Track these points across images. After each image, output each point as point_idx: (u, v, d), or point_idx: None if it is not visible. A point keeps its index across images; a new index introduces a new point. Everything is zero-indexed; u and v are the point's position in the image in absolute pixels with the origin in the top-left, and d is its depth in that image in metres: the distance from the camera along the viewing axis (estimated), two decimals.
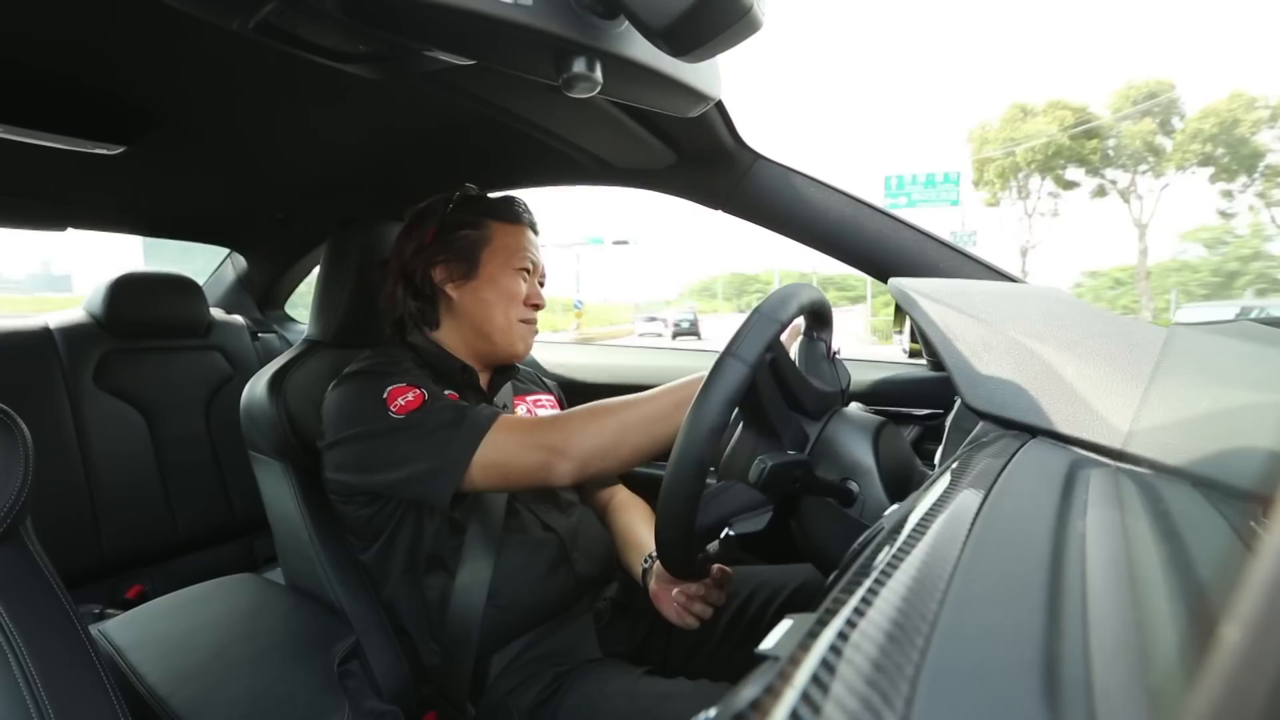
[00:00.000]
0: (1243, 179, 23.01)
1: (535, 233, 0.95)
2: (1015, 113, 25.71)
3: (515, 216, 0.92)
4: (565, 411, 0.78)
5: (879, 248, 0.92)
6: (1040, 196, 25.71)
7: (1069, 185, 25.58)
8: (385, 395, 0.77)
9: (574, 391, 1.24)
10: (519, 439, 0.74)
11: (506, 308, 0.89)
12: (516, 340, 0.90)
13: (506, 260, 0.89)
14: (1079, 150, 24.46)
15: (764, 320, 0.60)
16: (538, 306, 0.92)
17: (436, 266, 0.89)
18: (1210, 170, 23.05)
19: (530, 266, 0.91)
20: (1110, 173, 24.58)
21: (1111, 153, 24.31)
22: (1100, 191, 24.83)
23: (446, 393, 0.84)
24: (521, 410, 0.96)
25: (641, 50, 0.52)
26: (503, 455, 0.73)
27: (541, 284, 0.95)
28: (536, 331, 0.94)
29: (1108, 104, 24.36)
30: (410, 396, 0.77)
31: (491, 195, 0.95)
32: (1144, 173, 23.96)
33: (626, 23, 0.49)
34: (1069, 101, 25.07)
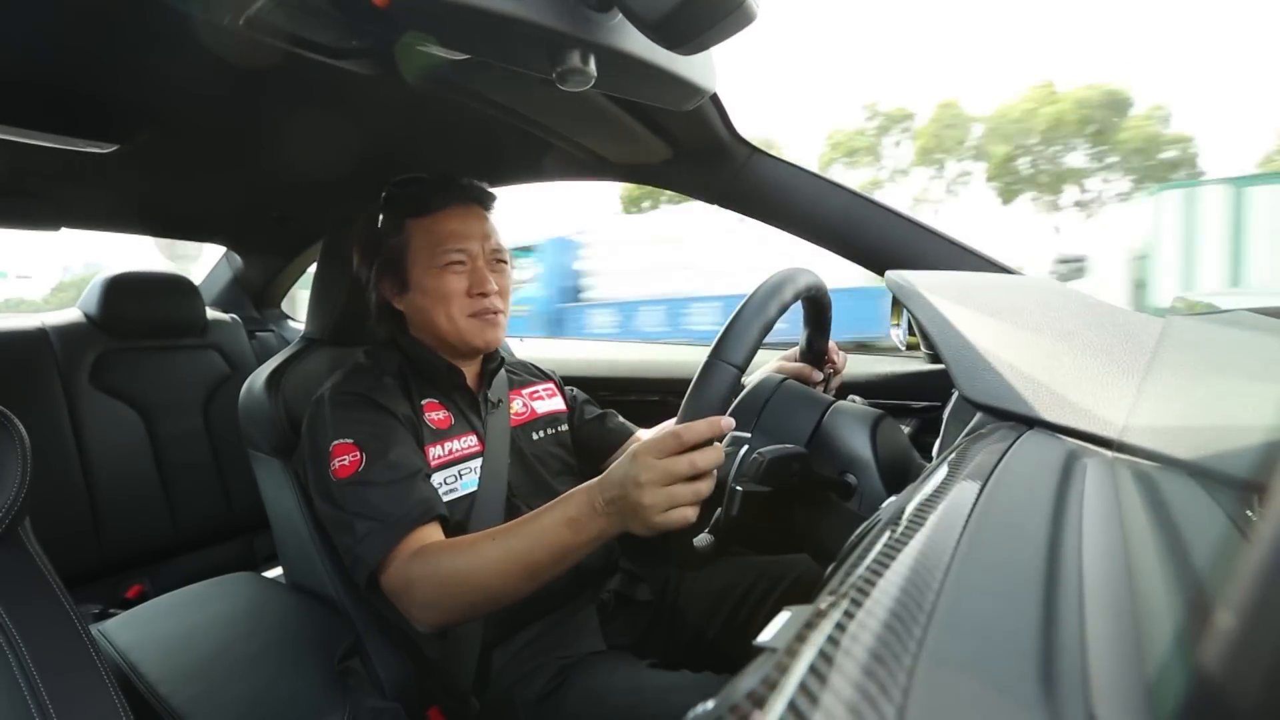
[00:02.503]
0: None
1: (484, 206, 0.87)
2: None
3: (426, 207, 0.83)
4: (419, 567, 0.68)
5: (875, 241, 0.92)
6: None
7: None
8: (330, 448, 0.75)
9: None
10: (390, 590, 0.70)
11: (446, 309, 0.82)
12: (470, 337, 0.84)
13: (429, 260, 0.82)
14: None
15: (751, 317, 0.59)
16: (485, 294, 0.83)
17: (382, 281, 0.86)
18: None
19: (462, 257, 0.82)
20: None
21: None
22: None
23: (424, 402, 0.84)
24: (518, 405, 0.95)
25: (635, 43, 0.52)
26: (388, 589, 0.70)
27: (502, 260, 0.86)
28: (497, 321, 0.85)
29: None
30: (347, 460, 0.73)
31: (411, 188, 0.86)
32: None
33: (620, 15, 0.49)
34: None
